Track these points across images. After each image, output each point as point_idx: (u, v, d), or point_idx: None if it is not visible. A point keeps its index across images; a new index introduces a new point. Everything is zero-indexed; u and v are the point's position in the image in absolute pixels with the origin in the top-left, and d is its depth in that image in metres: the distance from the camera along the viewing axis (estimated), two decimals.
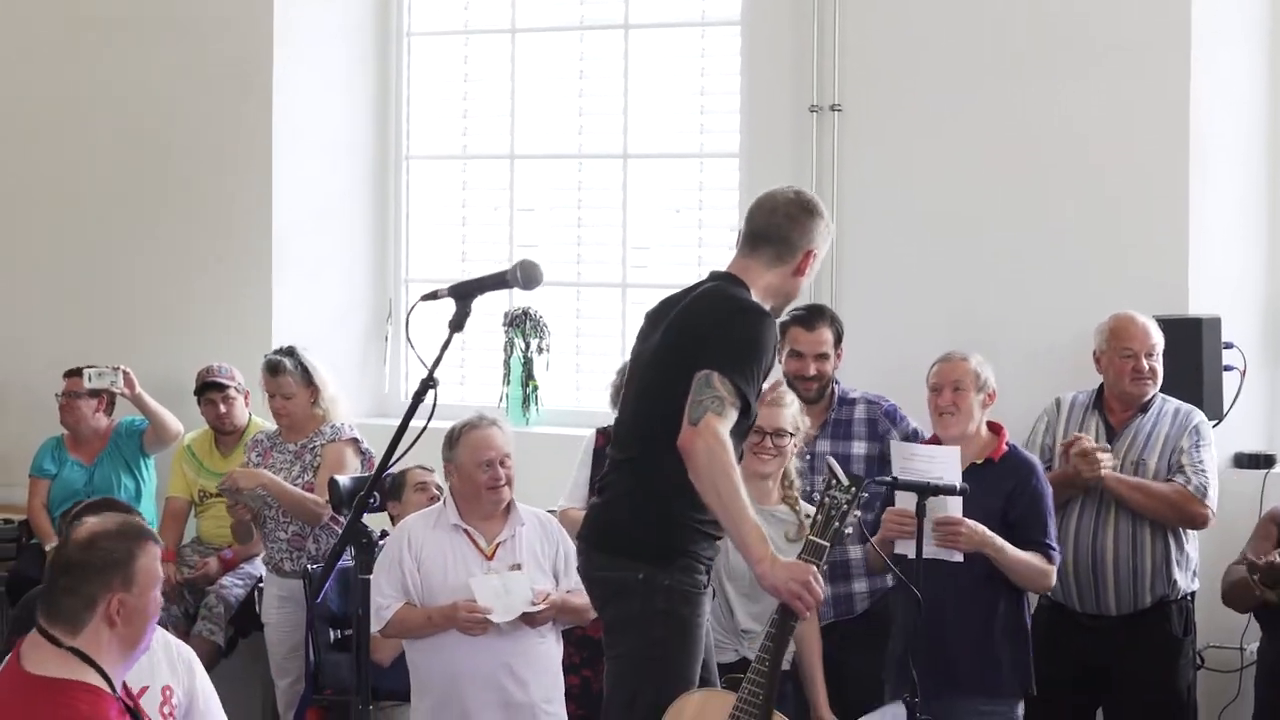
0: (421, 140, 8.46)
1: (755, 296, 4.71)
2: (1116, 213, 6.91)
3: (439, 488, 6.49)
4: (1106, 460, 5.94)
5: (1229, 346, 6.77)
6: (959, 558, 5.43)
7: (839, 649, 5.94)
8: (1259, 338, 7.05)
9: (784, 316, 5.56)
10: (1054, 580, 5.65)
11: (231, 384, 7.62)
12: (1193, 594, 6.16)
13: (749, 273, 4.76)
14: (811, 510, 5.52)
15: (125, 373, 7.65)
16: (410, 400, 4.14)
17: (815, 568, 4.49)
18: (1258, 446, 7.01)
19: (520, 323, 7.91)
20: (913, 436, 6.13)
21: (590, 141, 8.16)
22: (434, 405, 4.07)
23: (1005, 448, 5.69)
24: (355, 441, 7.14)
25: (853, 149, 7.23)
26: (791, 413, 5.65)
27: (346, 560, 4.90)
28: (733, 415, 4.46)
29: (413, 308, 4.32)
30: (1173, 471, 6.04)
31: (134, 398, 7.69)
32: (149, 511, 7.54)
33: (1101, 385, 6.25)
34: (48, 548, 7.48)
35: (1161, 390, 6.18)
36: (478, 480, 5.67)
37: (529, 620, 5.53)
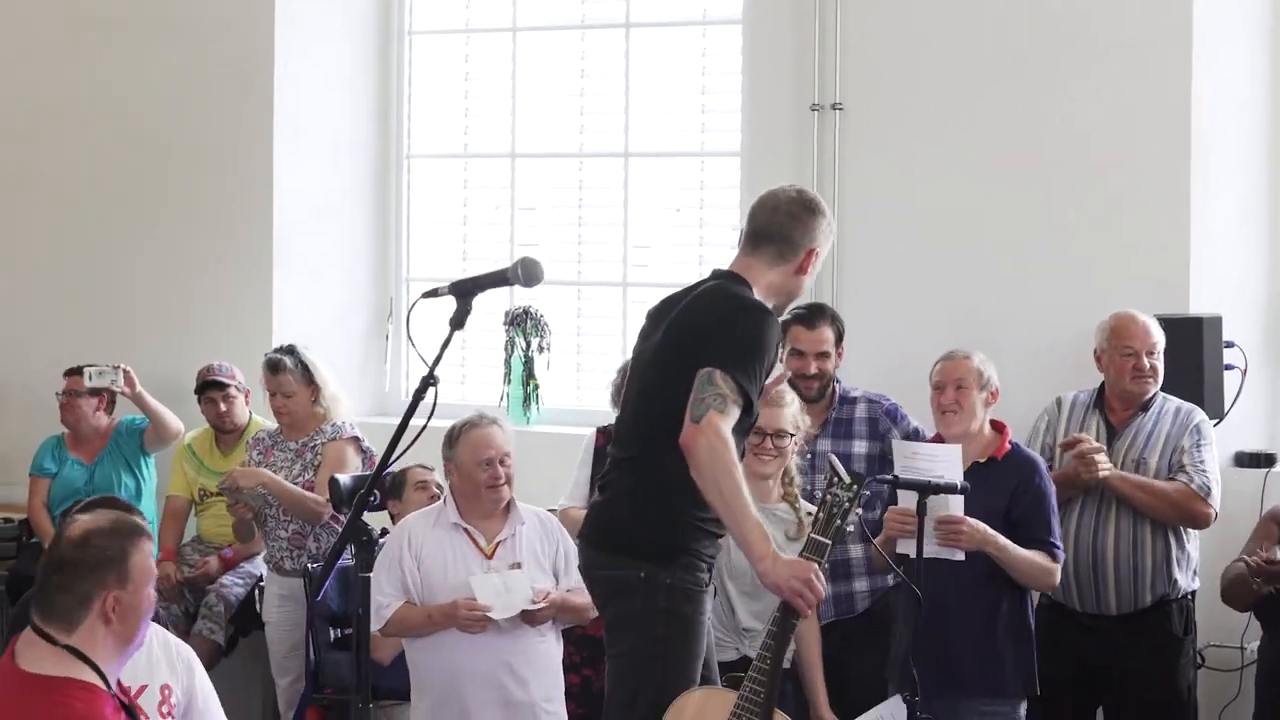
0: (422, 139, 8.46)
1: (757, 295, 4.70)
2: (1118, 211, 6.91)
3: (439, 486, 6.49)
4: (1104, 462, 5.94)
5: (1230, 345, 6.77)
6: (960, 556, 5.42)
7: (840, 648, 5.94)
8: (1260, 337, 7.05)
9: (785, 315, 5.56)
10: (1058, 578, 5.65)
11: (232, 383, 7.62)
12: (1193, 593, 6.16)
13: (751, 271, 4.76)
14: (812, 509, 5.53)
15: (125, 371, 7.65)
16: (411, 399, 4.13)
17: (817, 565, 4.48)
18: (1258, 445, 7.01)
19: (521, 322, 7.91)
20: (914, 435, 6.12)
21: (591, 140, 8.16)
22: (434, 404, 4.06)
23: (1008, 446, 5.69)
24: (356, 440, 7.13)
25: (854, 148, 7.23)
26: (792, 412, 5.65)
27: (347, 559, 4.90)
28: (735, 413, 4.46)
29: (413, 305, 4.32)
30: (1174, 471, 6.04)
31: (134, 396, 7.69)
32: (149, 510, 7.53)
33: (1102, 384, 6.25)
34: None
35: (1162, 389, 6.18)
36: (477, 479, 5.66)
37: (528, 619, 5.53)
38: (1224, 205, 6.97)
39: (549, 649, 5.67)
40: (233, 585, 7.46)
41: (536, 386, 7.94)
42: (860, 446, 6.23)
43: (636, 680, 4.60)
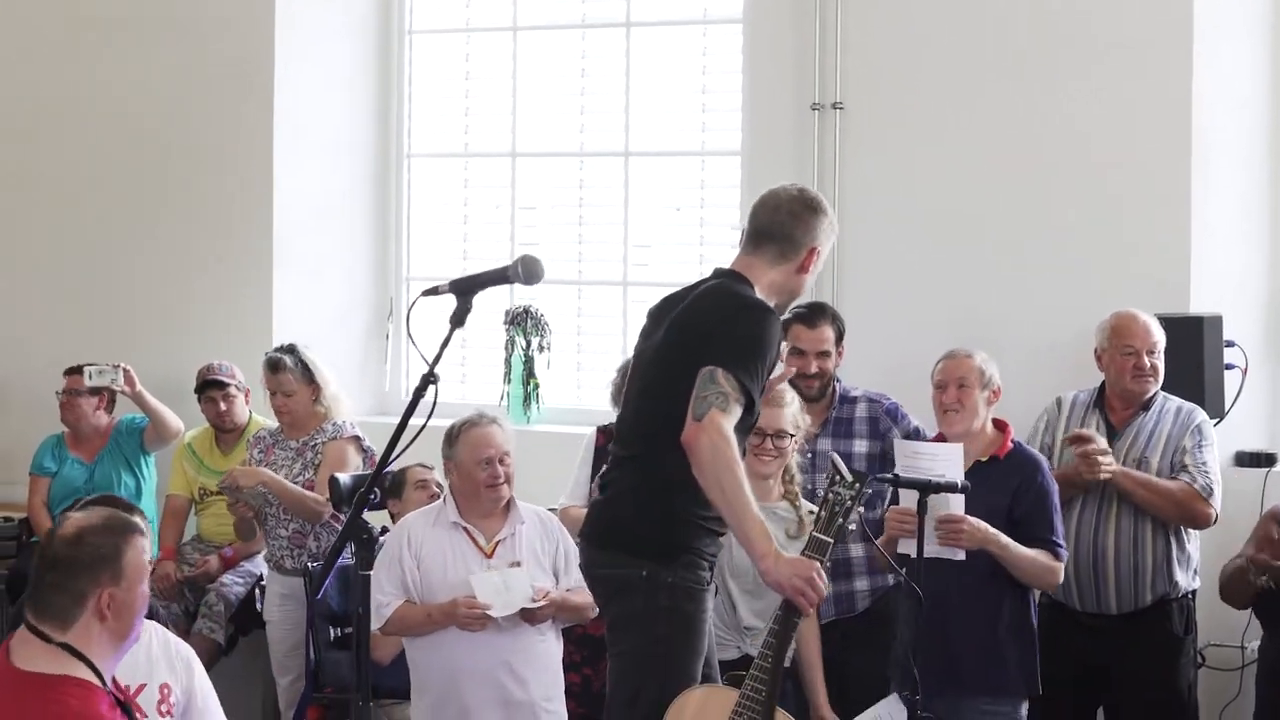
0: (423, 138, 8.46)
1: (759, 294, 4.70)
2: (1118, 211, 6.91)
3: (439, 485, 6.48)
4: (1107, 463, 5.93)
5: (1230, 345, 6.76)
6: (961, 556, 5.42)
7: (840, 647, 5.93)
8: (1260, 336, 7.05)
9: (786, 314, 5.55)
10: (1061, 577, 5.64)
11: (232, 382, 7.62)
12: (1193, 592, 6.16)
13: (753, 270, 4.76)
14: (813, 507, 5.52)
15: (125, 370, 7.64)
16: (411, 397, 4.13)
17: (819, 564, 4.48)
18: (1259, 445, 7.00)
19: (521, 321, 7.91)
20: (914, 435, 6.12)
21: (592, 139, 8.16)
22: (434, 402, 4.06)
23: (1010, 445, 5.69)
24: (357, 439, 7.13)
25: (854, 147, 7.22)
26: (792, 412, 5.64)
27: (347, 558, 4.90)
28: (737, 411, 4.46)
29: (414, 303, 4.31)
30: (1175, 471, 6.03)
31: (134, 395, 7.69)
32: (149, 509, 7.53)
33: (1103, 384, 6.24)
34: None
35: (1163, 389, 6.17)
36: (477, 478, 5.66)
37: (528, 617, 5.53)
38: (1224, 204, 6.97)
39: (549, 648, 5.67)
40: (233, 584, 7.45)
41: (537, 386, 7.94)
42: (861, 446, 6.22)
43: (638, 678, 4.60)
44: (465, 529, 5.67)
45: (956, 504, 5.38)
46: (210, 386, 7.61)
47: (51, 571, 3.75)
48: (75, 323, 8.42)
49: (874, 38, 7.20)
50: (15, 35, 8.63)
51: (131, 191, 8.40)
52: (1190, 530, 6.11)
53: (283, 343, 7.36)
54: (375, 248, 8.42)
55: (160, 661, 4.65)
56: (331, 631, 6.70)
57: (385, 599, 5.54)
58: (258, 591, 7.35)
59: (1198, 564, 6.16)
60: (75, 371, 7.78)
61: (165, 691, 4.60)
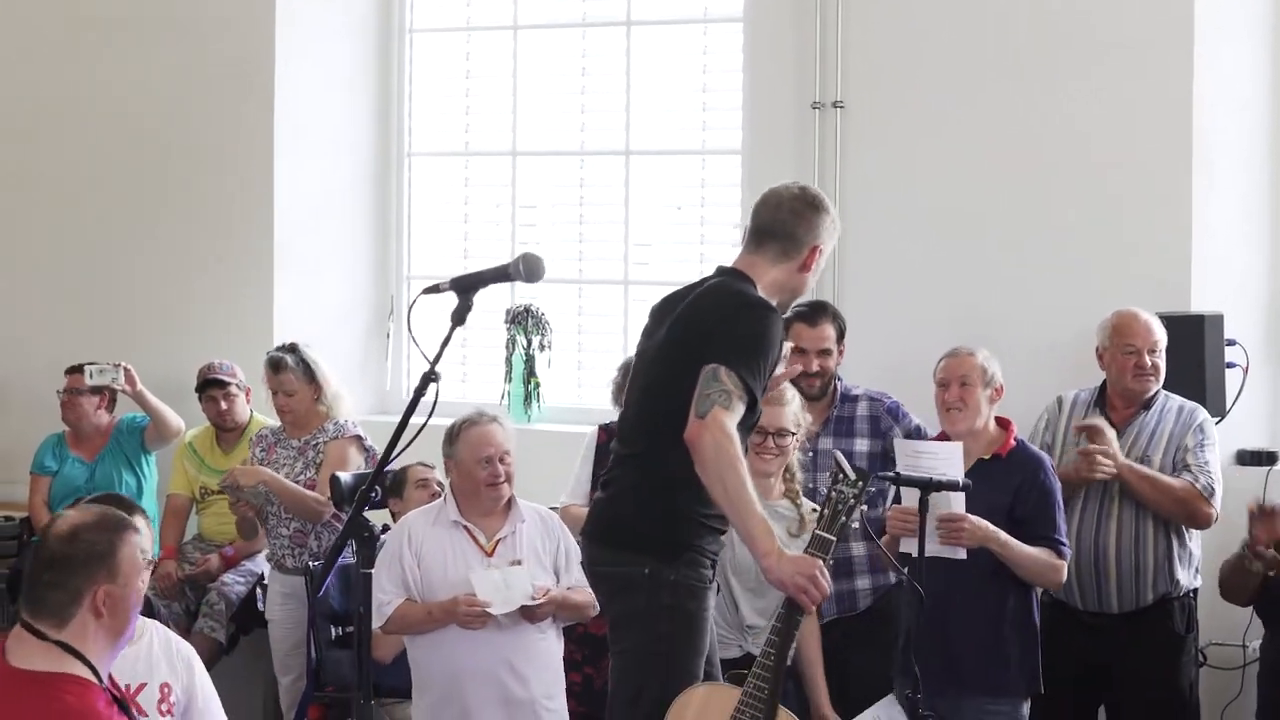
0: (423, 137, 8.46)
1: (761, 292, 4.70)
2: (1119, 210, 6.91)
3: (440, 484, 6.48)
4: (1106, 465, 5.93)
5: (1231, 343, 6.76)
6: (962, 554, 5.42)
7: (842, 646, 5.93)
8: (1261, 335, 7.04)
9: (787, 313, 5.55)
10: (1065, 576, 5.64)
11: (233, 381, 7.62)
12: (1195, 591, 6.15)
13: (755, 269, 4.76)
14: (815, 506, 5.53)
15: (126, 369, 7.64)
16: (412, 396, 4.12)
17: (821, 562, 4.48)
18: (1260, 443, 7.00)
19: (522, 320, 7.92)
20: (915, 433, 6.12)
21: (592, 138, 8.16)
22: (435, 401, 4.05)
23: (1013, 443, 5.69)
24: (358, 439, 7.13)
25: (855, 146, 7.22)
26: (793, 410, 5.65)
27: (348, 557, 4.90)
28: (739, 409, 4.46)
29: (414, 301, 4.31)
30: (1178, 470, 6.03)
31: (135, 394, 7.69)
32: (150, 508, 7.52)
33: (1104, 382, 6.24)
34: None
35: (1164, 387, 6.17)
36: (477, 477, 5.66)
37: (528, 615, 5.52)
38: (1226, 203, 6.97)
39: (549, 646, 5.66)
40: (234, 583, 7.45)
41: (537, 384, 7.94)
42: (862, 444, 6.22)
43: (640, 677, 4.60)
44: (466, 527, 5.67)
45: (958, 502, 5.39)
46: (211, 385, 7.61)
47: (48, 570, 3.75)
48: (75, 323, 8.42)
49: (875, 36, 7.20)
50: (15, 35, 8.63)
51: (132, 191, 8.40)
52: (1192, 530, 6.11)
53: (284, 342, 7.35)
54: (376, 247, 8.42)
55: (161, 661, 4.65)
56: (333, 630, 6.70)
57: (386, 597, 5.54)
58: (259, 590, 7.34)
59: (1199, 562, 6.16)
60: (76, 371, 7.78)
61: (166, 691, 4.60)
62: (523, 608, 5.50)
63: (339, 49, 8.31)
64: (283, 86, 8.13)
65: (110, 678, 3.84)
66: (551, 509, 6.02)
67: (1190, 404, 6.17)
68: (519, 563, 5.61)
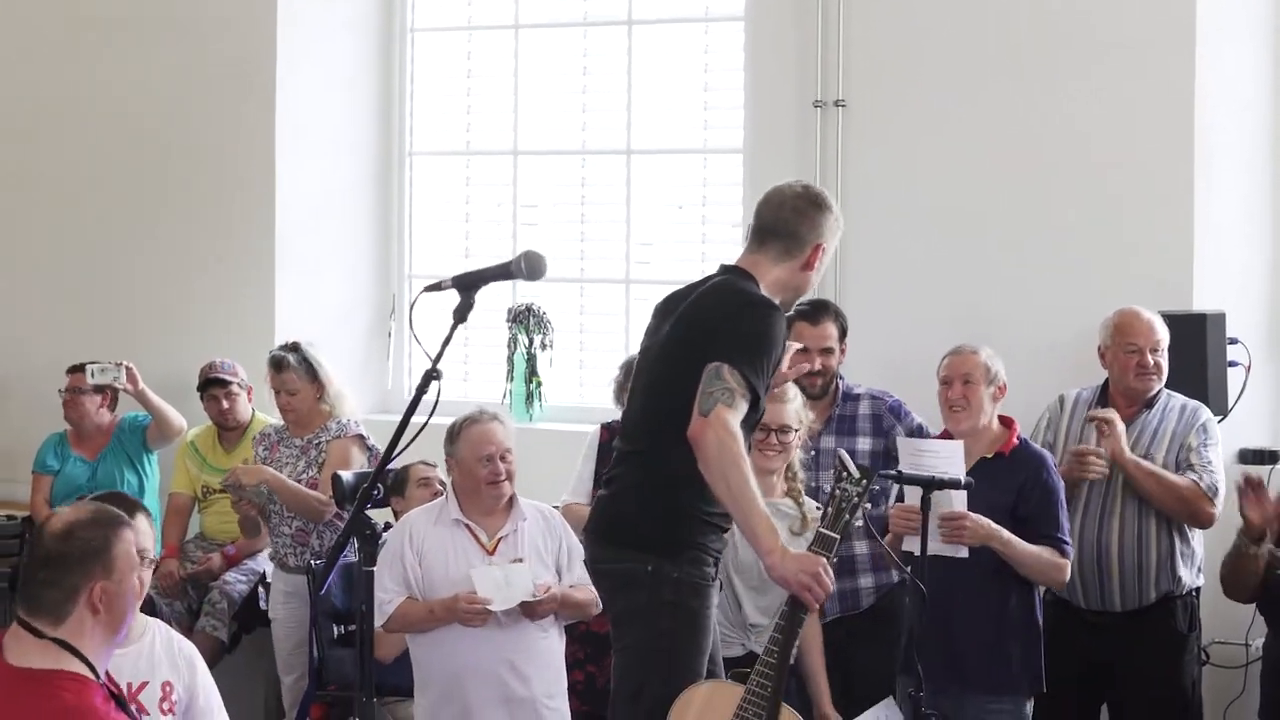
0: (425, 136, 8.45)
1: (764, 291, 4.70)
2: (1121, 208, 6.90)
3: (442, 483, 6.47)
4: (1099, 464, 5.92)
5: (1233, 342, 6.76)
6: (964, 553, 5.42)
7: (845, 644, 5.94)
8: (1263, 333, 7.04)
9: (789, 311, 5.55)
10: (1068, 575, 5.63)
11: (234, 380, 7.62)
12: (1198, 590, 6.15)
13: (758, 268, 4.76)
14: (817, 505, 5.52)
15: (128, 368, 7.64)
16: (413, 394, 4.12)
17: (825, 559, 4.48)
18: (1262, 442, 7.00)
19: (524, 319, 7.91)
20: (917, 432, 6.12)
21: (594, 137, 8.15)
22: (437, 400, 4.05)
23: (1016, 441, 5.69)
24: (361, 438, 7.12)
25: (856, 144, 7.22)
26: (795, 408, 5.65)
27: (350, 556, 4.90)
28: (743, 407, 4.46)
29: (416, 299, 4.31)
30: (1181, 469, 6.02)
31: (137, 393, 7.69)
32: (152, 507, 7.51)
33: (1106, 381, 6.23)
34: None
35: (1166, 386, 6.16)
36: (478, 475, 5.65)
37: (528, 612, 5.51)
38: (1227, 202, 6.96)
39: (551, 645, 5.65)
40: (236, 582, 7.45)
41: (539, 383, 7.94)
42: (864, 443, 6.21)
43: (642, 674, 4.59)
44: (467, 526, 5.66)
45: (959, 501, 5.39)
46: (212, 384, 7.61)
47: (43, 568, 3.75)
48: (76, 322, 8.42)
49: (876, 35, 7.20)
50: (15, 35, 8.62)
51: (132, 191, 8.40)
52: (1194, 528, 6.10)
53: (287, 341, 7.34)
54: (377, 246, 8.41)
55: (163, 659, 4.64)
56: (335, 629, 6.70)
57: (387, 596, 5.53)
58: (260, 589, 7.34)
59: (1202, 561, 6.15)
60: (78, 369, 7.78)
61: (167, 689, 4.60)
62: (523, 605, 5.48)
63: (340, 48, 8.31)
64: (284, 85, 8.12)
65: (107, 674, 3.84)
66: (554, 508, 6.01)
67: (1193, 403, 6.16)
68: (520, 560, 5.60)
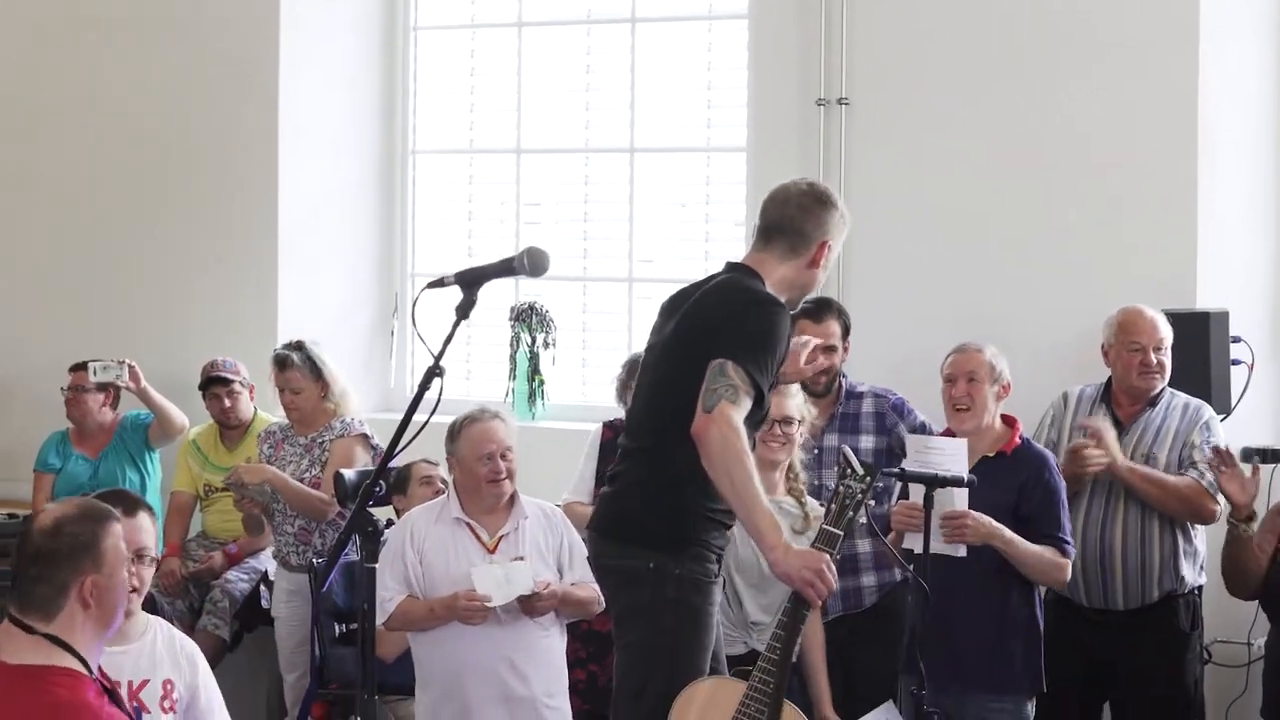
0: (428, 135, 8.45)
1: (770, 289, 4.70)
2: (1123, 207, 6.89)
3: (445, 481, 6.47)
4: (1098, 455, 5.92)
5: (1237, 340, 6.75)
6: (962, 552, 5.42)
7: (847, 643, 5.94)
8: (1267, 332, 7.04)
9: (796, 309, 5.54)
10: (1069, 574, 5.63)
11: (236, 378, 7.61)
12: (1200, 588, 6.15)
13: (764, 265, 4.75)
14: (819, 504, 5.52)
15: (130, 366, 7.64)
16: (416, 390, 4.11)
17: (828, 556, 4.47)
18: (1265, 440, 6.97)
19: (526, 317, 7.91)
20: (921, 430, 6.11)
21: (597, 136, 8.14)
22: (439, 398, 4.04)
23: (1019, 441, 5.68)
24: (364, 437, 7.12)
25: (860, 143, 7.21)
26: (797, 402, 5.65)
27: (352, 554, 4.89)
28: (747, 404, 4.46)
29: (419, 295, 4.30)
30: (1184, 466, 6.02)
31: (139, 392, 7.68)
32: (154, 505, 7.48)
33: (1110, 379, 6.23)
34: None
35: (1169, 384, 6.16)
36: (478, 473, 5.64)
37: (527, 608, 5.49)
38: (1231, 200, 6.96)
39: (551, 644, 5.65)
40: (237, 580, 7.45)
41: (542, 382, 7.93)
42: (867, 441, 6.21)
43: (645, 670, 4.59)
44: (468, 524, 5.65)
45: (961, 499, 5.38)
46: (214, 383, 7.61)
47: (34, 565, 3.76)
48: (77, 322, 8.41)
49: (879, 33, 7.19)
50: (15, 35, 8.62)
51: (133, 191, 8.39)
52: (1197, 526, 6.10)
53: (291, 340, 7.34)
54: (380, 244, 8.41)
55: (164, 657, 4.63)
56: (336, 628, 6.70)
57: (388, 594, 5.53)
58: (263, 588, 7.34)
59: (1204, 559, 6.15)
60: (80, 368, 7.77)
61: (169, 687, 4.59)
62: (522, 601, 5.47)
63: (343, 46, 8.30)
64: (286, 84, 8.11)
65: (100, 669, 3.84)
66: (555, 505, 6.01)
67: (1196, 401, 6.16)
68: (521, 559, 5.59)
